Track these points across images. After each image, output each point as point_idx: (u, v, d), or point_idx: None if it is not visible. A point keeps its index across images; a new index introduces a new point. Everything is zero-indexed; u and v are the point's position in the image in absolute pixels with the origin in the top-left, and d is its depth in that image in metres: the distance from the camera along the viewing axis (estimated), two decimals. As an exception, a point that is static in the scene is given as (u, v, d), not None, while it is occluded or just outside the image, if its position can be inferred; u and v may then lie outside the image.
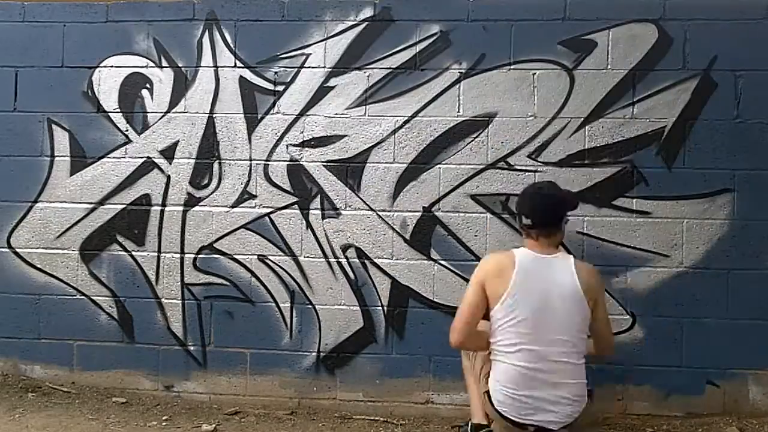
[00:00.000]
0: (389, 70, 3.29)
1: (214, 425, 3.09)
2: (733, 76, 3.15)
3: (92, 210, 3.43)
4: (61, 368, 3.44)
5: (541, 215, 2.53)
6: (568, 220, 2.63)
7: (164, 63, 3.42)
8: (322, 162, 3.33)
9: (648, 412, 3.18)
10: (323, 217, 3.33)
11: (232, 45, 3.38)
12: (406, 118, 3.29)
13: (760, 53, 3.15)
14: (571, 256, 2.58)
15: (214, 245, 3.37)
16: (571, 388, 2.42)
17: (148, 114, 3.42)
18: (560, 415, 2.40)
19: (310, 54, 3.34)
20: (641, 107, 3.19)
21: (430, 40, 3.28)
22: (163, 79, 3.42)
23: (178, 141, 3.40)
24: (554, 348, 2.41)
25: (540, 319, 2.41)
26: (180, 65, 3.40)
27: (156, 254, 3.39)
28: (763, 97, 3.14)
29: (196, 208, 3.39)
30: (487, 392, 2.51)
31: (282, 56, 3.35)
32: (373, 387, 3.30)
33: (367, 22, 3.32)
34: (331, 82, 3.33)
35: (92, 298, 3.42)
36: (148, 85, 3.42)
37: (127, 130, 3.43)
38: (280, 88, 3.35)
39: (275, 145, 3.35)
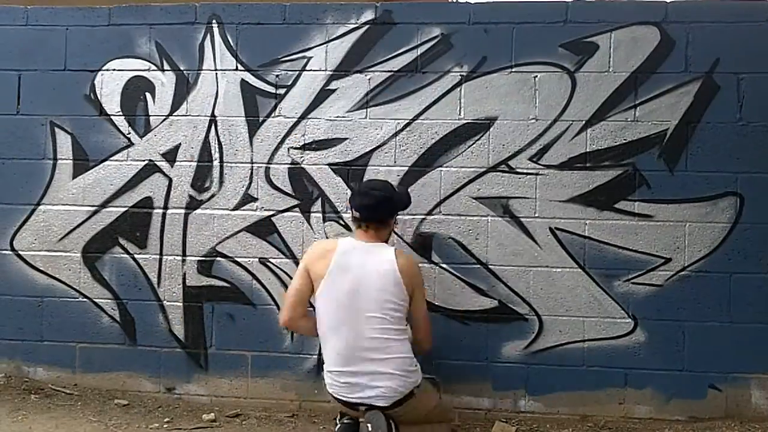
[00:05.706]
0: (390, 73, 3.29)
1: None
2: (735, 79, 3.14)
3: (94, 213, 3.44)
4: (64, 370, 3.46)
5: (367, 212, 2.75)
6: (397, 218, 2.96)
7: (166, 66, 3.42)
8: (324, 165, 3.33)
9: (650, 416, 3.17)
10: (324, 220, 3.33)
11: (233, 48, 3.38)
12: (407, 121, 3.29)
13: (762, 56, 3.13)
14: (393, 247, 2.80)
15: (216, 248, 3.38)
16: (390, 362, 2.54)
17: (150, 117, 3.42)
18: (385, 390, 2.52)
19: (312, 57, 3.34)
20: (643, 110, 3.18)
21: (431, 43, 3.28)
22: (165, 82, 3.42)
23: (180, 144, 3.41)
24: (369, 326, 2.56)
25: (354, 298, 2.59)
26: (182, 68, 3.41)
27: (158, 257, 3.40)
28: (766, 100, 3.13)
29: (198, 210, 3.39)
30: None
31: (283, 59, 3.35)
32: (374, 390, 3.30)
33: (368, 25, 3.32)
34: (333, 85, 3.33)
35: (94, 300, 3.44)
36: (150, 89, 3.43)
37: (129, 133, 3.43)
38: (282, 91, 3.35)
39: (276, 148, 3.36)
